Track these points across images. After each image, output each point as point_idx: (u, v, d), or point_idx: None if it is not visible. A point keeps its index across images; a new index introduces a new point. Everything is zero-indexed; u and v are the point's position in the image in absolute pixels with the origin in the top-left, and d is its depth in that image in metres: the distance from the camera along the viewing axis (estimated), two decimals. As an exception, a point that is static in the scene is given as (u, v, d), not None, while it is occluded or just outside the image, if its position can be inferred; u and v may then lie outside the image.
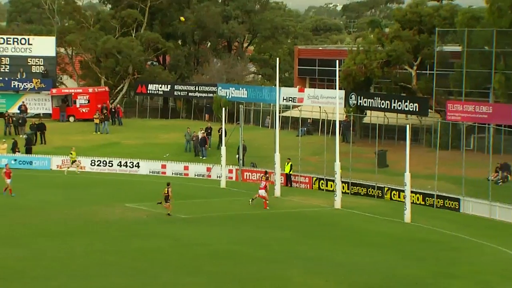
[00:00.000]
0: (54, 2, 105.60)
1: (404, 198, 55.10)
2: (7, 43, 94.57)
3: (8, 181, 59.33)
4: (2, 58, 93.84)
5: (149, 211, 56.01)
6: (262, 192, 57.78)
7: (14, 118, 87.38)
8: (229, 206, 59.27)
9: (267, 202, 57.57)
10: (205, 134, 78.77)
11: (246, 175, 71.50)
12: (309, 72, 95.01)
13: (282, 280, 38.73)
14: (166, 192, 53.45)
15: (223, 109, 71.14)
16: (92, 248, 44.93)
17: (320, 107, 78.29)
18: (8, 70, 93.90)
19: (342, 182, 60.79)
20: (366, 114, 78.81)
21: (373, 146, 69.77)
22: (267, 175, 60.87)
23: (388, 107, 75.84)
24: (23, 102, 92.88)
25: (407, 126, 56.97)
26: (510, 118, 67.43)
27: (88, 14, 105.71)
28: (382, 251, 45.25)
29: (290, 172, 68.10)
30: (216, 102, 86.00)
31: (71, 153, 71.46)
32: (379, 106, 76.56)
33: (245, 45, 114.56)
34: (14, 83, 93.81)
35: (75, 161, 71.23)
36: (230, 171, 70.72)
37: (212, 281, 37.93)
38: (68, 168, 71.59)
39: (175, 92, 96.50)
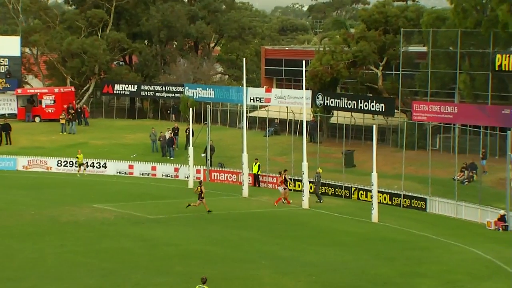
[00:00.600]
0: (19, 1, 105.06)
1: (371, 198, 55.45)
2: None
3: None
4: None
5: (117, 212, 56.10)
6: (280, 189, 59.05)
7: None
8: (197, 207, 59.11)
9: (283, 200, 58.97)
10: (172, 134, 78.80)
11: (214, 175, 71.77)
12: (276, 72, 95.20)
13: (253, 280, 38.90)
14: (199, 189, 54.53)
15: (190, 109, 71.38)
16: (62, 249, 44.90)
17: (287, 107, 78.61)
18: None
19: (310, 182, 60.80)
20: (333, 114, 79.15)
21: (340, 146, 70.16)
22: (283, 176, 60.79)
23: (355, 107, 76.13)
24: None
25: (374, 126, 57.24)
26: (475, 118, 68.23)
27: (54, 13, 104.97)
28: (351, 250, 45.48)
29: (258, 172, 68.39)
30: (183, 102, 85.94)
31: (78, 156, 71.12)
32: (345, 106, 76.82)
33: (211, 45, 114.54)
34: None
35: (83, 164, 70.77)
36: (198, 171, 70.71)
37: (183, 281, 38.00)
38: (81, 171, 71.06)
39: (141, 92, 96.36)
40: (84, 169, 71.39)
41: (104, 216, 54.81)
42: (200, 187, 54.11)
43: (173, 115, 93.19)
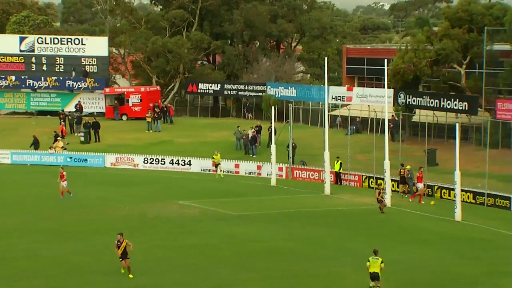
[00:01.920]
0: (106, 2, 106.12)
1: (454, 196, 54.33)
2: (61, 44, 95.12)
3: (64, 183, 59.17)
4: (57, 58, 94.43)
5: (202, 208, 55.92)
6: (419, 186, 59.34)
7: (70, 117, 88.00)
8: (280, 204, 58.76)
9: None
10: (255, 133, 78.30)
11: (296, 173, 71.06)
12: (358, 71, 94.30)
13: (337, 277, 38.36)
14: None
15: (272, 107, 70.73)
16: (150, 244, 44.89)
17: (368, 106, 77.67)
18: (62, 70, 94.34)
19: (392, 180, 60.05)
20: (415, 112, 77.76)
21: (422, 145, 68.86)
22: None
23: (437, 105, 75.05)
24: (79, 101, 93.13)
25: (457, 124, 55.81)
26: (560, 116, 66.82)
27: (139, 15, 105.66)
28: (434, 249, 44.48)
29: (340, 170, 67.60)
30: (265, 100, 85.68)
31: (214, 157, 70.43)
32: (428, 104, 75.65)
33: (293, 44, 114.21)
34: (68, 82, 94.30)
35: (219, 164, 70.22)
36: (280, 169, 70.33)
37: (266, 277, 37.75)
38: (217, 171, 70.39)
39: (224, 91, 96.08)
40: (221, 170, 70.46)
41: (190, 213, 54.76)
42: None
43: (249, 114, 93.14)
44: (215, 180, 67.64)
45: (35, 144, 79.66)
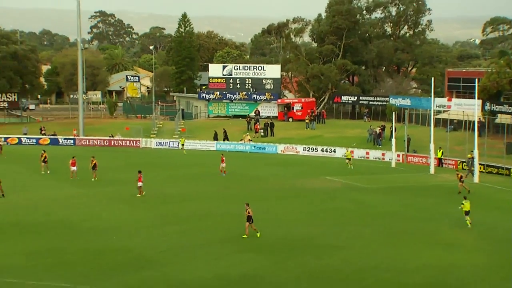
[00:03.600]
0: (280, 41, 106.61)
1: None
2: (249, 70, 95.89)
3: (223, 165, 57.93)
4: (246, 79, 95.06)
5: (342, 182, 54.93)
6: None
7: (252, 119, 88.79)
8: (397, 180, 57.11)
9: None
10: (381, 130, 78.21)
11: (409, 158, 69.45)
12: (456, 87, 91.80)
13: (435, 233, 36.78)
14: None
15: (393, 113, 70.62)
16: (303, 205, 44.49)
17: (463, 111, 74.75)
18: (250, 87, 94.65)
19: (479, 164, 57.18)
20: (497, 116, 75.15)
21: (502, 139, 66.37)
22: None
23: (514, 111, 72.58)
24: (257, 108, 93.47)
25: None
26: None
27: (301, 49, 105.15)
28: (508, 213, 41.62)
29: (441, 157, 65.70)
30: (388, 108, 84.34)
31: (345, 154, 68.06)
32: (507, 110, 72.77)
33: (409, 68, 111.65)
34: (253, 95, 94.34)
35: (350, 158, 66.50)
36: (398, 156, 68.26)
37: (380, 232, 36.90)
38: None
39: (360, 101, 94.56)
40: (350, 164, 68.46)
41: (333, 185, 53.84)
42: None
43: (367, 118, 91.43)
44: (352, 163, 66.27)
45: (225, 137, 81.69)
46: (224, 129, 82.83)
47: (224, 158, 58.59)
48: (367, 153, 72.61)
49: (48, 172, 57.31)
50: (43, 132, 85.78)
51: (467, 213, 37.70)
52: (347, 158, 64.98)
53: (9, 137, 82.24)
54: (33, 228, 37.23)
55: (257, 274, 29.08)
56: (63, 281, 27.76)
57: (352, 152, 68.17)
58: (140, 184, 47.04)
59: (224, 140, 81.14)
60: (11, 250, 32.46)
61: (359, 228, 38.04)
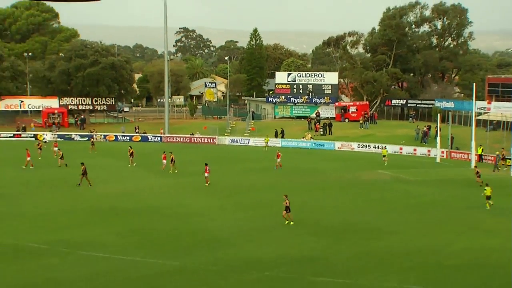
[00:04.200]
0: (338, 52, 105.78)
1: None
2: (311, 77, 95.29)
3: (278, 160, 57.38)
4: (308, 85, 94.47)
5: (392, 176, 53.97)
6: None
7: (313, 119, 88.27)
8: (441, 173, 55.92)
9: None
10: (427, 129, 76.66)
11: (453, 154, 67.65)
12: (495, 92, 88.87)
13: (476, 220, 35.82)
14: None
15: (438, 114, 69.15)
16: (355, 198, 43.82)
17: (501, 113, 72.93)
18: (311, 92, 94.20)
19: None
20: (532, 117, 72.72)
21: (536, 138, 64.31)
22: None
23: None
24: (318, 110, 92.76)
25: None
26: None
27: (356, 59, 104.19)
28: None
29: (482, 153, 63.99)
30: (434, 110, 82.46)
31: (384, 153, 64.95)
32: (542, 111, 70.32)
33: (453, 75, 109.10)
34: (314, 99, 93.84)
35: (385, 155, 63.75)
36: (442, 152, 66.89)
37: (425, 220, 36.15)
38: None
39: (408, 104, 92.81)
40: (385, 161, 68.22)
41: (383, 178, 53.02)
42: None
43: (413, 119, 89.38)
44: (400, 159, 65.29)
45: (282, 135, 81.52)
46: (282, 128, 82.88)
47: (280, 154, 58.33)
48: (415, 150, 71.26)
49: (134, 165, 58.03)
50: (137, 131, 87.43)
51: (488, 197, 38.78)
52: (383, 155, 63.85)
53: (108, 135, 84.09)
54: (123, 212, 37.98)
55: (314, 255, 29.05)
56: (148, 257, 28.27)
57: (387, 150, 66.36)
58: (206, 174, 47.58)
59: (282, 137, 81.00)
60: (104, 231, 33.24)
61: (406, 215, 37.55)
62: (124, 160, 60.38)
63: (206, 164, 47.87)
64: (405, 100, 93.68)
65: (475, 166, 53.97)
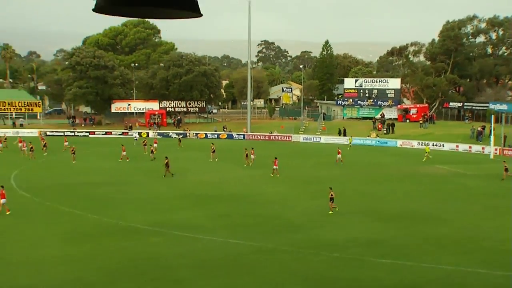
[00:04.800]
0: (400, 60, 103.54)
1: None
2: (375, 82, 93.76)
3: (339, 156, 56.03)
4: (373, 90, 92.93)
5: (449, 170, 52.41)
6: None
7: (377, 120, 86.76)
8: (494, 168, 53.02)
9: None
10: (481, 129, 73.66)
11: (505, 151, 64.65)
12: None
13: None
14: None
15: (492, 115, 65.92)
16: (416, 189, 42.75)
17: (551, 114, 69.79)
18: (376, 96, 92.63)
19: None
20: None
21: None
22: None
23: None
24: (382, 112, 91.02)
25: None
26: None
27: (415, 66, 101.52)
28: None
29: (532, 151, 61.03)
30: (488, 112, 79.44)
31: (426, 150, 62.42)
32: None
33: (506, 80, 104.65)
34: (378, 102, 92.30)
35: (428, 152, 61.12)
36: (496, 149, 64.08)
37: (480, 209, 34.99)
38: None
39: (464, 106, 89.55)
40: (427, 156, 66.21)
41: (441, 172, 51.49)
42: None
43: (469, 120, 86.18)
44: (456, 155, 63.28)
45: (344, 133, 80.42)
46: (344, 128, 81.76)
47: (340, 151, 57.28)
48: (470, 147, 68.73)
49: (216, 160, 57.53)
50: (225, 129, 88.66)
51: None
52: (425, 152, 61.15)
53: (199, 133, 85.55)
54: (211, 199, 38.36)
55: (377, 239, 28.54)
56: (233, 238, 28.49)
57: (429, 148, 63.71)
58: (275, 167, 47.45)
59: (343, 135, 80.00)
60: (196, 215, 33.71)
61: (462, 205, 36.37)
62: (204, 153, 60.93)
63: (275, 158, 47.89)
64: (461, 103, 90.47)
65: (504, 161, 51.61)
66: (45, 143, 63.04)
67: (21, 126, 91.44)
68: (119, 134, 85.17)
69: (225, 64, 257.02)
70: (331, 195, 34.21)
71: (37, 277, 22.82)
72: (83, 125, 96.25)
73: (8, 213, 33.07)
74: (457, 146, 69.51)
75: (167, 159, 47.83)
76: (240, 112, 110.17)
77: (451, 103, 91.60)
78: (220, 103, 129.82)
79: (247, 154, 54.65)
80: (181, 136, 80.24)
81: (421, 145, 71.66)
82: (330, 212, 34.01)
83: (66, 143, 65.59)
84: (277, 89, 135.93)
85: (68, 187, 42.21)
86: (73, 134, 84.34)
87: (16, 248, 26.76)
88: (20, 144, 61.95)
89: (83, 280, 22.41)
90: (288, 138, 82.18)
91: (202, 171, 50.99)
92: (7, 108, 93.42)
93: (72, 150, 57.12)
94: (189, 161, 55.60)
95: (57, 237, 28.63)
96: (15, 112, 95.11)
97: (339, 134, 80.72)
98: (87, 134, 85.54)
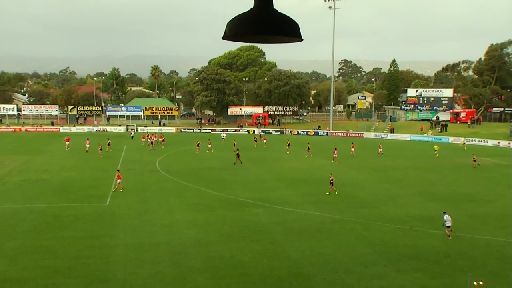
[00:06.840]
0: (453, 74, 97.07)
1: None
2: (432, 92, 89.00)
3: (380, 150, 52.73)
4: (430, 97, 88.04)
5: (492, 161, 48.47)
6: None
7: (433, 121, 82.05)
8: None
9: None
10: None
11: (542, 148, 59.01)
12: None
13: None
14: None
15: None
16: (464, 176, 39.85)
17: None
18: (432, 102, 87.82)
19: None
20: None
21: None
22: None
23: None
24: (437, 115, 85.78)
25: None
26: None
27: (467, 79, 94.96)
28: None
29: None
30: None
31: (436, 148, 55.73)
32: None
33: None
34: (434, 107, 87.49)
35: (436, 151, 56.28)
36: (533, 146, 58.79)
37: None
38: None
39: (505, 111, 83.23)
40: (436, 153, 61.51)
41: (486, 163, 47.48)
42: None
43: (510, 122, 79.13)
44: (498, 150, 58.44)
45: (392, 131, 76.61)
46: (392, 127, 77.84)
47: (381, 145, 54.23)
48: (509, 143, 63.22)
49: (288, 153, 53.68)
50: (319, 128, 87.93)
51: None
52: (435, 151, 55.40)
53: (292, 130, 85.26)
54: (300, 181, 37.86)
55: (430, 215, 27.25)
56: (317, 211, 28.24)
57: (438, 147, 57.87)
58: (334, 155, 46.60)
59: (391, 132, 76.18)
60: (289, 193, 33.56)
61: (502, 189, 33.85)
62: (296, 147, 58.84)
63: (335, 149, 46.82)
64: (503, 108, 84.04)
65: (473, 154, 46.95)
66: (163, 139, 61.91)
67: (164, 125, 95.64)
68: (233, 131, 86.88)
69: (313, 78, 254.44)
70: (332, 179, 32.56)
71: (171, 236, 23.46)
72: (207, 124, 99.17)
73: (122, 190, 32.15)
74: (498, 142, 64.50)
75: (238, 150, 47.38)
76: (325, 115, 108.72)
77: (494, 108, 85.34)
78: (309, 108, 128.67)
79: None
80: (259, 132, 79.28)
81: (468, 141, 67.02)
82: (327, 193, 32.25)
83: (198, 142, 59.09)
84: (353, 97, 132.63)
85: (194, 170, 42.87)
86: (199, 131, 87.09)
87: (158, 213, 27.68)
88: (143, 140, 61.88)
89: (203, 241, 22.83)
90: (361, 135, 79.92)
91: (291, 160, 50.26)
92: (155, 112, 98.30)
93: (197, 143, 57.47)
94: (283, 153, 55.24)
95: (186, 207, 29.38)
96: (160, 115, 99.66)
97: (392, 132, 76.37)
98: (210, 131, 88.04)
